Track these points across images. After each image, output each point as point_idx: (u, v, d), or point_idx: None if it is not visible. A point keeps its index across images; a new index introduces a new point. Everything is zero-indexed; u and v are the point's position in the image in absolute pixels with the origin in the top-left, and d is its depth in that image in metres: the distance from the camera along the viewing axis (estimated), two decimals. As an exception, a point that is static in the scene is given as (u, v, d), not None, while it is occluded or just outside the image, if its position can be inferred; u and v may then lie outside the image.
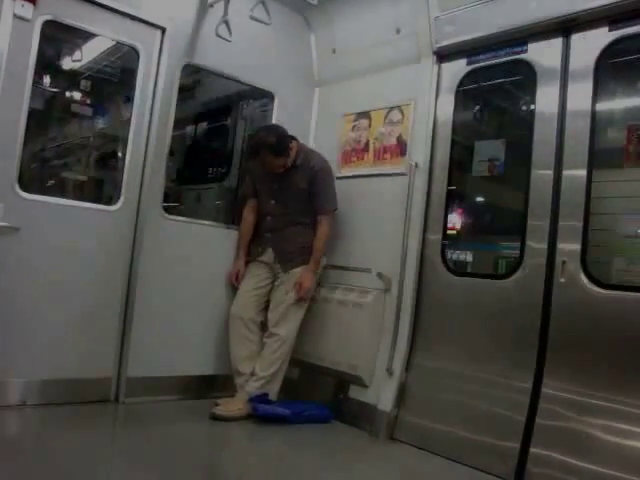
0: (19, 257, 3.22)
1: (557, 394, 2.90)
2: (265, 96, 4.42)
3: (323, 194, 3.82)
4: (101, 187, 4.44)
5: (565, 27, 3.12)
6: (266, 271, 3.87)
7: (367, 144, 4.02)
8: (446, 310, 3.50)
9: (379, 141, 3.94)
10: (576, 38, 3.10)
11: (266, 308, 3.86)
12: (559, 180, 3.06)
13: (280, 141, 3.74)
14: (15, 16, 3.13)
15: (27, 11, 3.16)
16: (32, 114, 3.29)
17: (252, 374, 3.69)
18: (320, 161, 3.89)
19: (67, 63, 4.06)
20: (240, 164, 4.77)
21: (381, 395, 3.53)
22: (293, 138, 3.87)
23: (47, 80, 3.92)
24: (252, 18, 3.68)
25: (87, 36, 3.75)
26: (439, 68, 3.70)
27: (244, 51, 4.02)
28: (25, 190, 3.24)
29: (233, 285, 3.97)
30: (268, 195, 3.91)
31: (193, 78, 4.60)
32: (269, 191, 3.91)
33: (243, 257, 3.98)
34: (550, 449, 2.81)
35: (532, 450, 2.86)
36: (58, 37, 3.71)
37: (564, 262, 2.97)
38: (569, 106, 3.08)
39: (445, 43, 3.60)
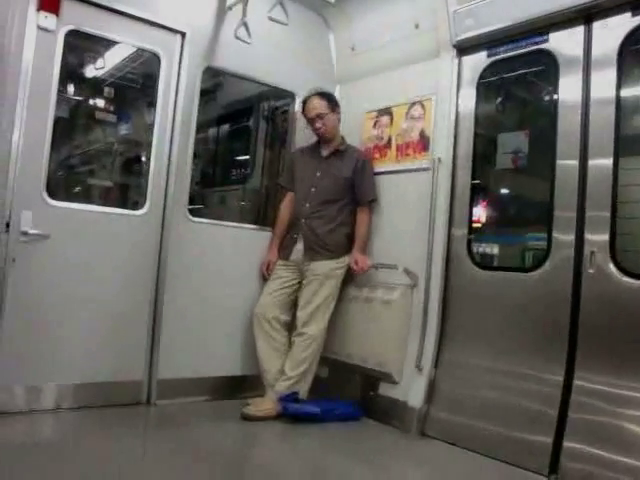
0: (50, 264, 3.28)
1: (589, 386, 2.86)
2: (286, 96, 4.44)
3: (368, 184, 3.93)
4: (127, 192, 4.49)
5: (586, 15, 3.08)
6: (292, 271, 3.89)
7: (389, 140, 4.01)
8: (474, 305, 3.48)
9: (401, 137, 3.93)
10: (598, 25, 3.05)
11: (292, 307, 3.88)
12: (585, 169, 3.02)
13: (330, 92, 4.07)
14: (39, 28, 3.19)
15: (50, 22, 3.22)
16: (58, 122, 3.36)
17: (280, 372, 3.71)
18: (363, 153, 4.06)
19: (90, 71, 4.12)
20: (263, 165, 4.80)
21: (411, 391, 3.53)
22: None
23: (71, 88, 3.98)
24: (271, 19, 3.70)
25: (109, 44, 3.80)
26: (459, 61, 3.67)
27: (264, 52, 4.05)
28: (53, 198, 3.30)
29: (264, 276, 4.01)
30: (309, 182, 3.95)
31: (214, 81, 4.63)
32: (311, 178, 3.95)
33: (276, 248, 4.03)
34: (584, 443, 2.77)
35: (566, 444, 2.83)
36: (81, 46, 3.76)
37: (592, 253, 2.93)
38: (593, 94, 3.04)
39: (465, 36, 3.57)
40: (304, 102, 3.98)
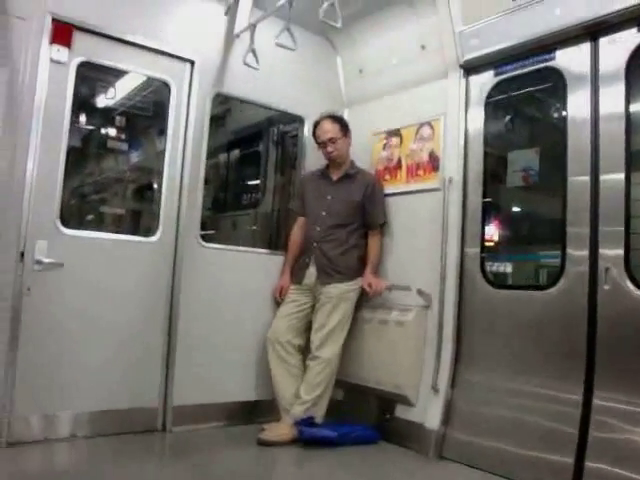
0: (65, 292, 3.30)
1: (609, 405, 2.81)
2: (295, 120, 4.48)
3: (379, 207, 3.94)
4: (139, 219, 4.52)
5: (592, 31, 3.09)
6: (305, 295, 3.88)
7: (399, 161, 4.02)
8: (489, 324, 3.45)
9: (411, 158, 3.94)
10: (604, 41, 3.06)
11: (306, 331, 3.87)
12: (596, 185, 3.01)
13: (341, 116, 4.11)
14: (52, 60, 3.26)
15: (63, 55, 3.29)
16: (71, 152, 3.40)
17: (295, 396, 3.69)
18: (373, 177, 4.06)
19: (102, 101, 4.17)
20: (274, 190, 4.82)
21: (428, 413, 3.49)
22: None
23: (84, 118, 4.03)
24: (278, 45, 3.74)
25: (119, 73, 3.84)
26: (467, 81, 3.69)
27: (272, 78, 4.09)
28: (67, 226, 3.34)
29: (277, 301, 4.01)
30: (320, 206, 3.95)
31: (224, 107, 4.68)
32: (321, 202, 3.96)
33: (288, 272, 4.02)
34: (606, 463, 2.71)
35: (587, 464, 2.78)
36: (92, 76, 3.82)
37: (607, 269, 2.90)
38: (602, 110, 3.04)
39: (471, 56, 3.60)
40: (315, 125, 3.99)
